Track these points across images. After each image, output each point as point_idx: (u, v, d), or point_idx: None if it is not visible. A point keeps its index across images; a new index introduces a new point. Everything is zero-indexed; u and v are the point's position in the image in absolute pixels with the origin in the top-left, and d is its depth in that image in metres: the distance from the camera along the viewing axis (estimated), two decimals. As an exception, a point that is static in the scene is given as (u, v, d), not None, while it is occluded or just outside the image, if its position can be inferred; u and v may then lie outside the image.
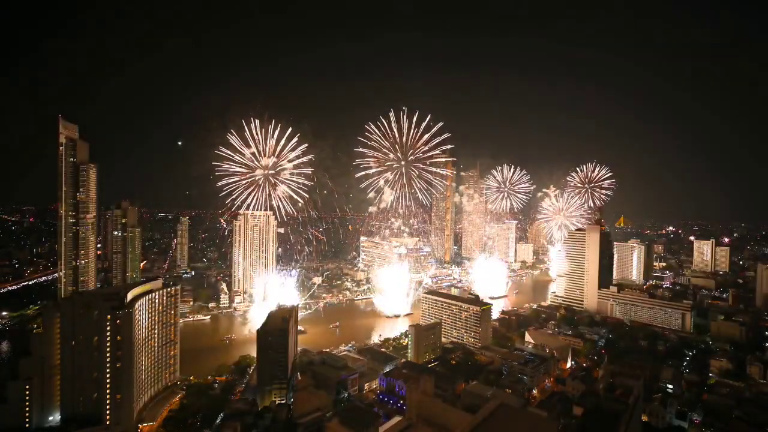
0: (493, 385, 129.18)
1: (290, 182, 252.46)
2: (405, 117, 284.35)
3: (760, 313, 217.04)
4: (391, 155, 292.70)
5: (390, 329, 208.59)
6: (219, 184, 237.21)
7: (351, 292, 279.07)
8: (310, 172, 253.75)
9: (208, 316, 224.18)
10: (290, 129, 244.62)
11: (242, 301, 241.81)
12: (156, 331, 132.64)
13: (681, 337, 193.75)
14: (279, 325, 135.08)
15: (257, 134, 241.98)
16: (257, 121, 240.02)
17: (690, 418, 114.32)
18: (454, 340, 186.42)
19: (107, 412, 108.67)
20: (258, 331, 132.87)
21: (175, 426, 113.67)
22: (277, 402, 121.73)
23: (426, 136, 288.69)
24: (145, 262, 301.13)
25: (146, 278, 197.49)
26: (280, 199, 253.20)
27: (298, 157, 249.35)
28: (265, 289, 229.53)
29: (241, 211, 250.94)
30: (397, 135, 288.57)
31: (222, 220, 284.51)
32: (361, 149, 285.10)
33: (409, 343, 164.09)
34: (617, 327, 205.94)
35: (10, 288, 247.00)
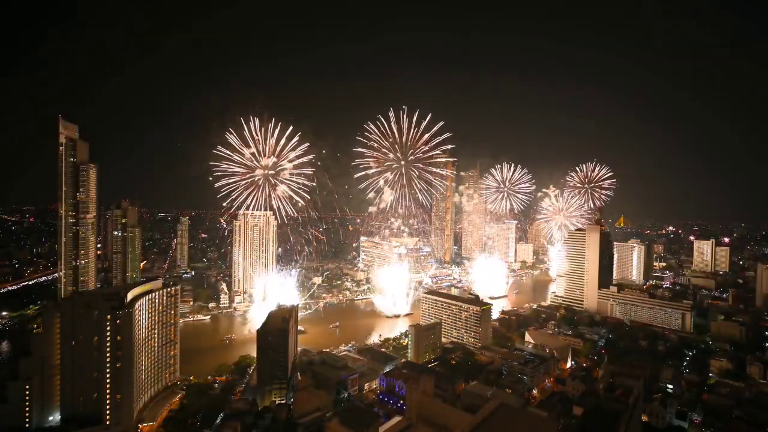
0: (493, 385, 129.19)
1: (290, 182, 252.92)
2: (405, 116, 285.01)
3: (760, 313, 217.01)
4: (391, 155, 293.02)
5: (390, 329, 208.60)
6: (219, 184, 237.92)
7: (351, 292, 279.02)
8: (310, 172, 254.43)
9: (208, 316, 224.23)
10: (291, 128, 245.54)
11: (242, 301, 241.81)
12: (156, 331, 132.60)
13: (681, 337, 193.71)
14: (279, 325, 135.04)
15: (257, 134, 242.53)
16: (256, 120, 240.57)
17: (690, 418, 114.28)
18: (454, 340, 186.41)
19: (107, 412, 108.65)
20: (258, 331, 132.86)
21: (175, 426, 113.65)
22: (277, 402, 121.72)
23: (426, 136, 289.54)
24: (145, 262, 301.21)
25: (146, 278, 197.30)
26: (280, 200, 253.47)
27: (298, 157, 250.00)
28: (265, 289, 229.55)
29: (240, 212, 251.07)
30: (396, 135, 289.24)
31: (222, 220, 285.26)
32: (360, 149, 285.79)
33: (409, 343, 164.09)
34: (617, 327, 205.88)
35: (10, 288, 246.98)
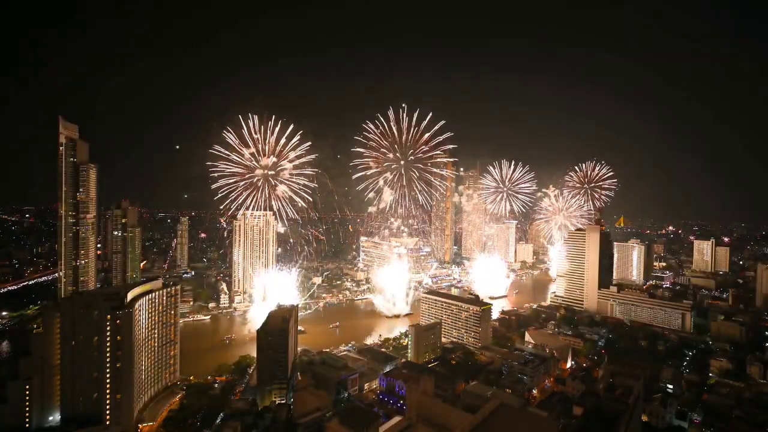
0: (493, 385, 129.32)
1: (290, 183, 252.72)
2: (404, 115, 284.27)
3: (760, 313, 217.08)
4: (391, 155, 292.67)
5: (390, 329, 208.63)
6: (218, 185, 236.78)
7: (351, 292, 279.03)
8: (311, 172, 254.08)
9: (208, 316, 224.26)
10: (291, 127, 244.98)
11: (242, 301, 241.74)
12: (156, 331, 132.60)
13: (681, 337, 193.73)
14: (279, 325, 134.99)
15: (256, 134, 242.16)
16: (255, 118, 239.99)
17: (690, 418, 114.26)
18: (454, 340, 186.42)
19: (107, 412, 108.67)
20: (258, 331, 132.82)
21: (175, 426, 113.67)
22: (277, 402, 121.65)
23: (426, 136, 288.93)
24: (145, 262, 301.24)
25: (146, 278, 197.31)
26: (280, 200, 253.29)
27: (298, 157, 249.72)
28: (264, 289, 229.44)
29: (239, 212, 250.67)
30: (396, 134, 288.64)
31: (222, 220, 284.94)
32: (360, 149, 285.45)
33: (409, 343, 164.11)
34: (617, 327, 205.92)
35: (10, 288, 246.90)
